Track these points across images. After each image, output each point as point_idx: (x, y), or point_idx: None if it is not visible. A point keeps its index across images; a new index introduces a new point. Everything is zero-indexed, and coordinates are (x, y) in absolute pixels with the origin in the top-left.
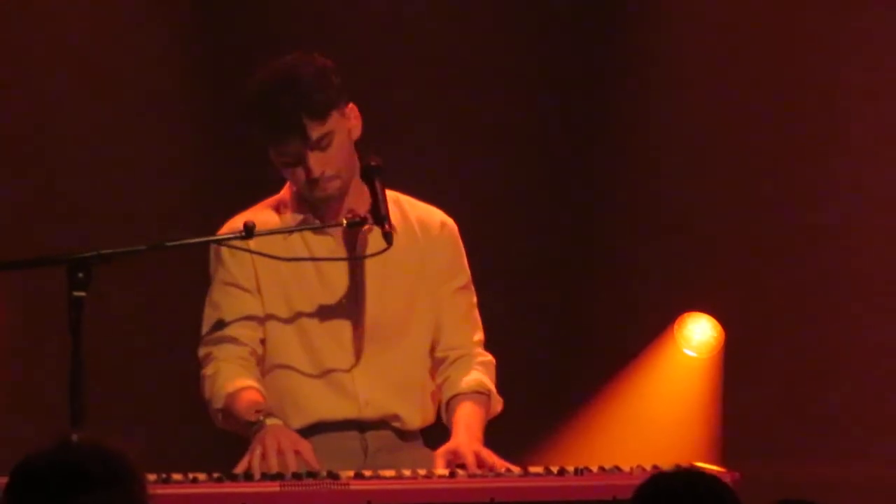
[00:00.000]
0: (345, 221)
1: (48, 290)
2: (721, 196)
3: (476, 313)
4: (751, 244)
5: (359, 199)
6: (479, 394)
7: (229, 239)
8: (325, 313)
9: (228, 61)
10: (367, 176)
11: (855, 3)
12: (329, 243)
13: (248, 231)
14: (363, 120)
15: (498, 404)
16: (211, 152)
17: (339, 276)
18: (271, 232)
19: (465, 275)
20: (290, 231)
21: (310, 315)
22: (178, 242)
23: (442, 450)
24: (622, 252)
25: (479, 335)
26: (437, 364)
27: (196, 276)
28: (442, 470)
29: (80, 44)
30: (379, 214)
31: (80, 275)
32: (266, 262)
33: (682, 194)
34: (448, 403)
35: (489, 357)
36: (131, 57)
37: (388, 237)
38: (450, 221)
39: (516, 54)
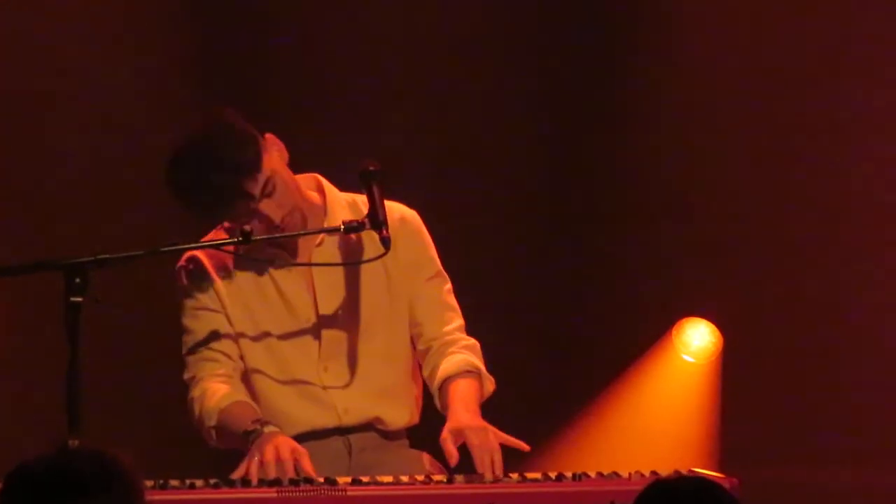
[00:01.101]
0: (342, 226)
1: (45, 295)
2: (720, 201)
3: (452, 300)
4: (749, 250)
5: (312, 213)
6: (469, 372)
7: (227, 244)
8: (289, 329)
9: (229, 63)
10: (365, 180)
11: (861, 4)
12: (294, 276)
13: (246, 236)
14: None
15: (490, 384)
16: None
17: (299, 293)
18: (267, 238)
19: (434, 264)
20: (287, 237)
21: (275, 332)
22: (174, 248)
23: (445, 433)
24: (621, 257)
25: (458, 321)
26: (421, 357)
27: None
28: (440, 476)
29: (78, 47)
30: (377, 219)
31: (77, 280)
32: (229, 285)
33: (680, 199)
34: (440, 389)
35: (472, 340)
36: (130, 58)
37: (385, 242)
38: (409, 213)
39: (512, 58)
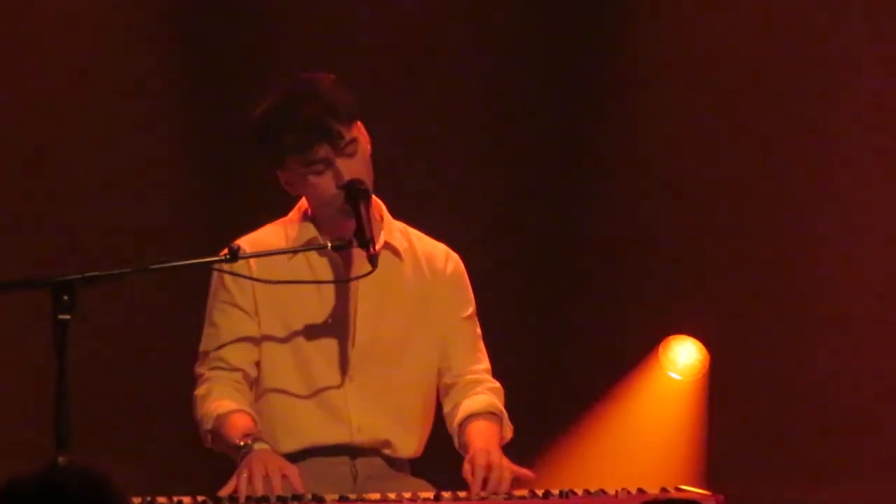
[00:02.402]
0: (329, 244)
1: (34, 311)
2: (706, 219)
3: (482, 344)
4: (735, 267)
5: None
6: (492, 414)
7: (214, 262)
8: (321, 334)
9: (225, 81)
10: (353, 198)
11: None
12: (334, 263)
13: (233, 254)
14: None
15: (509, 431)
16: (204, 170)
17: (338, 298)
18: (255, 255)
19: (472, 305)
20: (275, 254)
21: (306, 335)
22: (162, 265)
23: (465, 462)
24: (607, 275)
25: (486, 363)
26: (445, 391)
27: (185, 298)
28: (427, 493)
29: (70, 61)
30: (363, 237)
31: (65, 297)
32: (268, 284)
33: (666, 217)
34: (461, 426)
35: (497, 384)
36: (122, 72)
37: (372, 260)
38: (454, 255)
39: (499, 84)
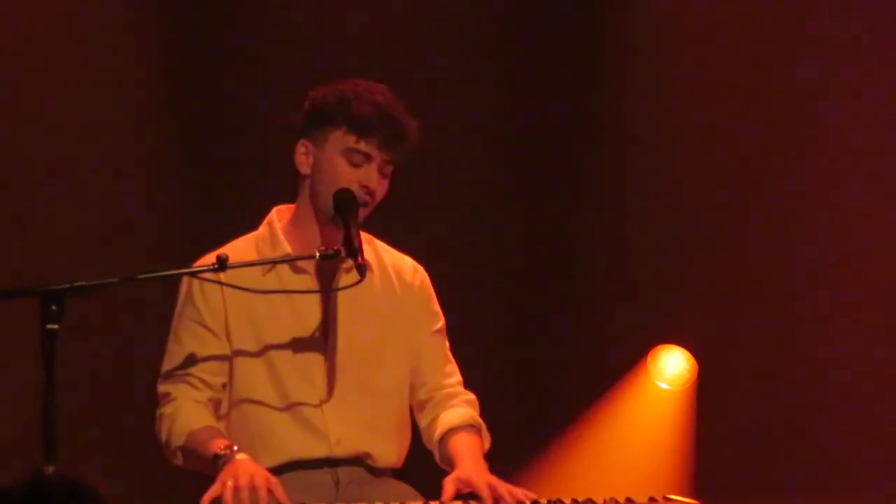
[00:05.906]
0: (318, 253)
1: (21, 321)
2: (693, 229)
3: (451, 356)
4: (724, 277)
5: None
6: (472, 427)
7: (202, 271)
8: (295, 349)
9: (205, 73)
10: (344, 206)
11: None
12: (305, 281)
13: (221, 263)
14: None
15: (487, 441)
16: (192, 178)
17: (311, 312)
18: (245, 265)
19: (441, 319)
20: (263, 263)
21: (280, 351)
22: (150, 275)
23: (451, 477)
24: (595, 285)
25: (458, 376)
26: (420, 406)
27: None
28: (414, 502)
29: (56, 64)
30: (352, 247)
31: (54, 307)
32: (236, 297)
33: (654, 227)
34: (442, 439)
35: (472, 396)
36: (109, 79)
37: (360, 269)
38: (420, 268)
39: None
